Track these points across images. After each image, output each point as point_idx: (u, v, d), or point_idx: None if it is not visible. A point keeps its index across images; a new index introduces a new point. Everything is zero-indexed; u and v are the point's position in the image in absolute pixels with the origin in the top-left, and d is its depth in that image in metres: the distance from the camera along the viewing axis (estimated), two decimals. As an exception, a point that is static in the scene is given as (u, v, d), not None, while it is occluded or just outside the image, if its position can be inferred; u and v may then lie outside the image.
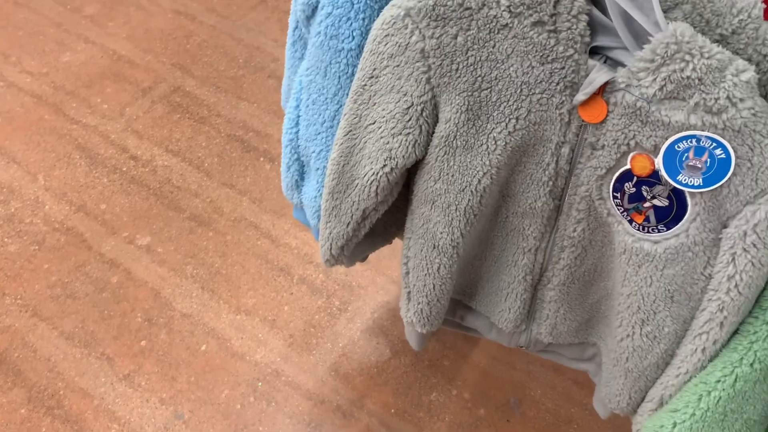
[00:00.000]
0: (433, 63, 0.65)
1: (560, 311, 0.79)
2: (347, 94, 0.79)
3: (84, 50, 1.79)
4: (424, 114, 0.68)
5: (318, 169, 0.89)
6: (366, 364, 1.25)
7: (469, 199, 0.70)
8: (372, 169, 0.73)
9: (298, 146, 0.91)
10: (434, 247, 0.75)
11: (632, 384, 0.74)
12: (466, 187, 0.69)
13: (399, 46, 0.66)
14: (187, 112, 1.65)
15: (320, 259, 0.88)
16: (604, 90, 0.60)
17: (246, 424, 1.17)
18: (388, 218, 0.82)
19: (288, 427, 1.17)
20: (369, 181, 0.73)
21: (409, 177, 0.77)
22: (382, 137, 0.71)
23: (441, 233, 0.73)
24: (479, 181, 0.68)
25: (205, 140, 1.59)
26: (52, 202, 1.47)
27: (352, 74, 0.78)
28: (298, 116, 0.88)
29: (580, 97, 0.60)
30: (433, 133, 0.69)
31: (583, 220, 0.69)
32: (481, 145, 0.67)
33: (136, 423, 1.17)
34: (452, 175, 0.69)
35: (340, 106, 0.80)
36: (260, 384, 1.22)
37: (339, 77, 0.78)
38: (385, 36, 0.66)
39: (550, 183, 0.68)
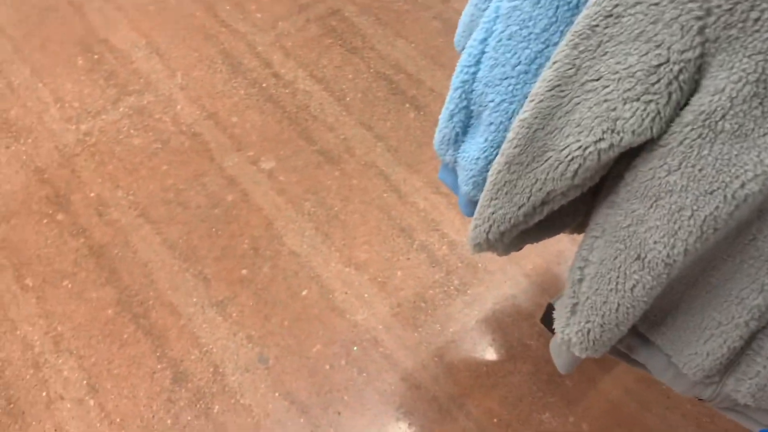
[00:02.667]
0: (717, 6, 0.46)
1: None
2: (561, 33, 0.61)
3: (250, -46, 1.69)
4: (681, 77, 0.49)
5: (491, 124, 0.72)
6: (475, 360, 1.09)
7: (717, 207, 0.51)
8: (579, 141, 0.55)
9: (472, 91, 0.74)
10: (638, 259, 0.57)
11: None
12: (717, 189, 0.50)
13: None
14: (340, 39, 1.52)
15: (468, 242, 0.71)
16: None
17: (331, 388, 1.05)
18: (570, 203, 0.64)
19: (376, 404, 1.04)
20: (569, 157, 0.56)
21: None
22: (606, 100, 0.53)
23: (655, 243, 0.55)
24: (743, 185, 0.49)
25: (352, 73, 1.46)
26: (184, 102, 1.39)
27: (577, 6, 0.59)
28: (483, 52, 0.71)
29: None
30: (685, 105, 0.50)
31: None
32: (766, 134, 0.47)
33: (217, 355, 1.08)
34: (701, 170, 0.51)
35: (547, 46, 0.63)
36: (355, 348, 1.09)
37: (557, 7, 0.60)
38: None
39: None
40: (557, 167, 0.57)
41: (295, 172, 1.30)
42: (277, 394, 1.04)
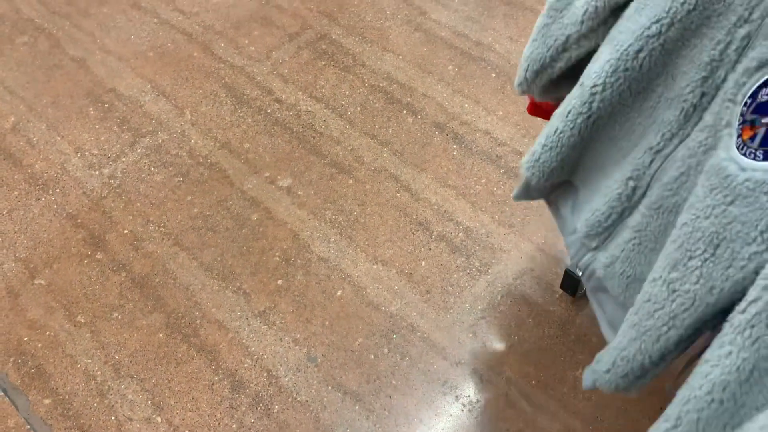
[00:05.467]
0: None
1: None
2: None
3: (234, -7, 1.79)
4: None
5: None
6: (506, 331, 1.18)
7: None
8: None
9: None
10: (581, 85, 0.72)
11: (624, 345, 0.64)
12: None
13: None
14: (332, 60, 1.62)
15: (514, 83, 0.85)
16: None
17: (379, 375, 1.13)
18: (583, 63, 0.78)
19: (422, 383, 1.12)
20: (581, 3, 0.70)
21: None
22: None
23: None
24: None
25: (348, 89, 1.56)
26: (197, 136, 1.48)
27: None
28: None
29: None
30: None
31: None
32: None
33: (268, 360, 1.15)
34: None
35: None
36: (395, 336, 1.18)
37: None
38: None
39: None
40: (574, 14, 0.71)
41: (312, 185, 1.39)
42: (330, 388, 1.12)
